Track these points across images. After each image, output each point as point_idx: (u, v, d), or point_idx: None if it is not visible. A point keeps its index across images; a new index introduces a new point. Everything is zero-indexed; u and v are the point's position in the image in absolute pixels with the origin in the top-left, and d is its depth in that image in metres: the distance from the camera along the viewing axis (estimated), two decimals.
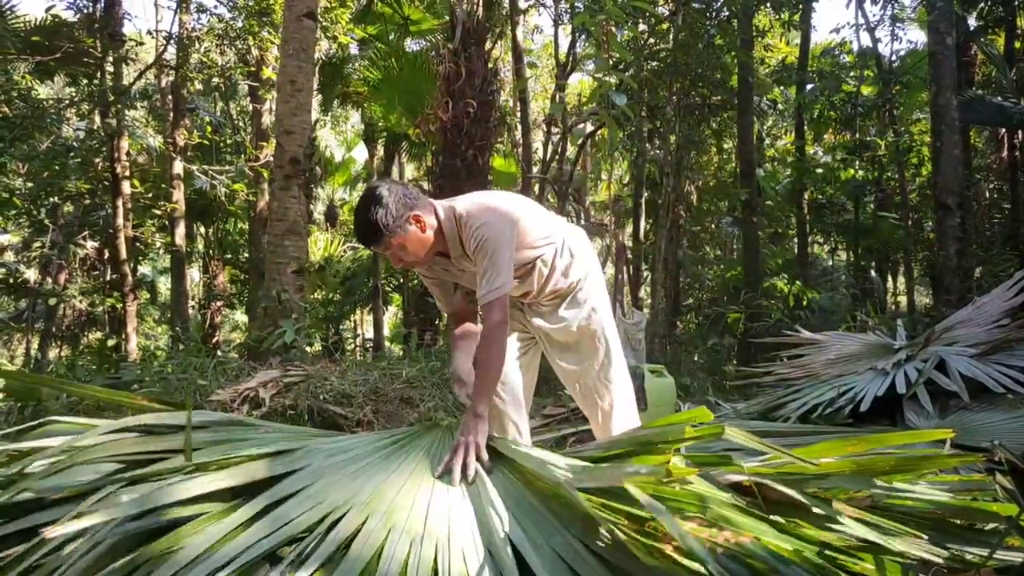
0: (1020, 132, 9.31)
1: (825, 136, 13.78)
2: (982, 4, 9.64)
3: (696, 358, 8.45)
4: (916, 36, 28.26)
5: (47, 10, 9.38)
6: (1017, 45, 10.03)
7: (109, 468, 1.56)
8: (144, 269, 16.59)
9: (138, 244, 12.40)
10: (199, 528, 1.33)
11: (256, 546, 1.29)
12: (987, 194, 12.14)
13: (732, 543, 1.29)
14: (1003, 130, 10.46)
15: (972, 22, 10.36)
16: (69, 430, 1.78)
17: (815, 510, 1.37)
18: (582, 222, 13.32)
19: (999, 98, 8.64)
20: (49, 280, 12.79)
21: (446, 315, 2.32)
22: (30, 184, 10.12)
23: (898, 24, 10.87)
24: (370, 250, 1.94)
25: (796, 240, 12.38)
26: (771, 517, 1.38)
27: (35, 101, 9.39)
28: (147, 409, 1.85)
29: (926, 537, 1.37)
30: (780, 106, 13.41)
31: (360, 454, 1.71)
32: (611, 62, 6.81)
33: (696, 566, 1.23)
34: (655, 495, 1.37)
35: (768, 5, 9.33)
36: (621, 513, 1.39)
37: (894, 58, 11.39)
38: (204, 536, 1.30)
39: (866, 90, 11.67)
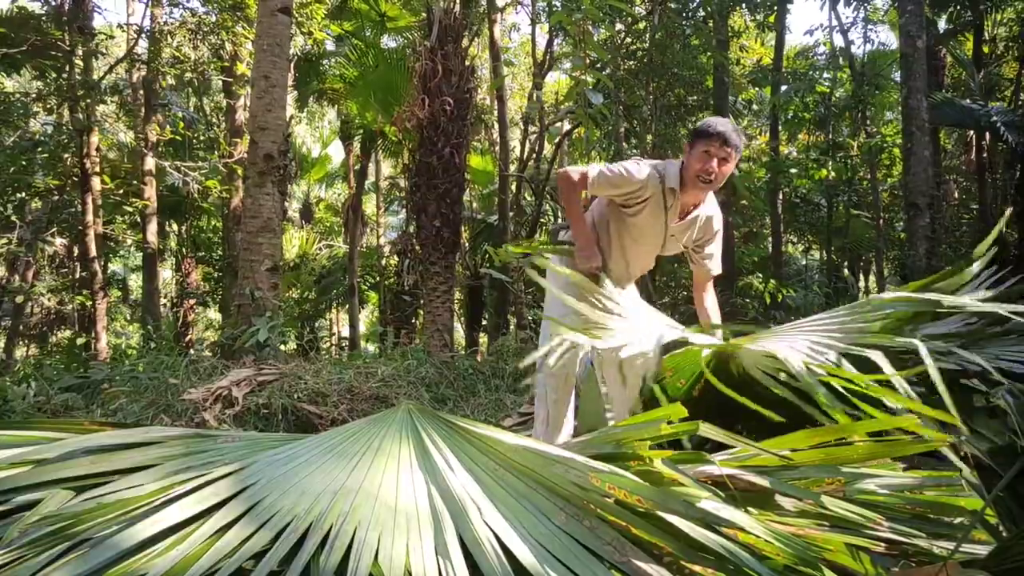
0: (988, 134, 9.48)
1: (799, 136, 13.95)
2: (951, 8, 9.81)
3: None
4: (887, 38, 28.66)
5: (13, 1, 9.19)
6: (985, 49, 10.22)
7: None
8: (115, 267, 16.35)
9: (108, 241, 12.20)
10: (160, 552, 1.29)
11: (221, 565, 1.26)
12: (956, 195, 12.35)
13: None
14: (972, 132, 10.65)
15: (942, 25, 10.54)
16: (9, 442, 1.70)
17: (779, 499, 1.39)
18: (559, 220, 13.34)
19: (968, 101, 8.80)
20: (16, 278, 12.53)
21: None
22: None
23: (870, 26, 11.03)
24: (726, 150, 2.46)
25: (771, 239, 12.51)
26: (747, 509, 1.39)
27: (1, 95, 9.19)
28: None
29: (890, 525, 1.39)
30: (755, 106, 13.55)
31: (315, 455, 1.65)
32: (588, 61, 6.82)
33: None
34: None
35: (743, 6, 9.41)
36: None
37: (865, 59, 11.55)
38: (166, 558, 1.26)
39: (839, 91, 11.81)
